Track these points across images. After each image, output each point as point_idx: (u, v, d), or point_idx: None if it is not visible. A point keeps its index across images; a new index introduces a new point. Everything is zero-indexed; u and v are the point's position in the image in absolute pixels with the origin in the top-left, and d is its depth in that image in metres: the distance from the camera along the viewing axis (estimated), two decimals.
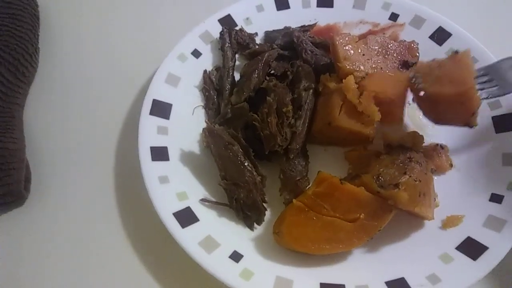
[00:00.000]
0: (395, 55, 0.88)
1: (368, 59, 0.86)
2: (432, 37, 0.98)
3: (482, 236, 0.74)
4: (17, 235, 0.83)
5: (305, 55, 0.93)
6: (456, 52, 0.76)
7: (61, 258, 0.80)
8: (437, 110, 0.75)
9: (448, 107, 0.75)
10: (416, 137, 0.80)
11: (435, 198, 0.80)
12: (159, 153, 0.83)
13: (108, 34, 1.10)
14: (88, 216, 0.85)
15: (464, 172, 0.85)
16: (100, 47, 1.08)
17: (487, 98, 0.80)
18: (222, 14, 1.01)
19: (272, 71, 0.92)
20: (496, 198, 0.78)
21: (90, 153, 0.92)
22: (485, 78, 0.81)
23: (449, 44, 0.96)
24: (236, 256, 0.74)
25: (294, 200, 0.76)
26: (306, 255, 0.74)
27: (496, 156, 0.83)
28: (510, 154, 0.82)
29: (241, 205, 0.80)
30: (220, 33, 0.99)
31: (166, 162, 0.83)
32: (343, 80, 0.83)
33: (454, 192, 0.82)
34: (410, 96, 0.85)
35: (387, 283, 0.71)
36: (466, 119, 0.75)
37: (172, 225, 0.75)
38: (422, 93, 0.77)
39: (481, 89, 0.79)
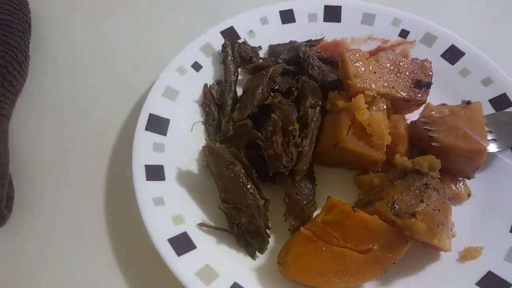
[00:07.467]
0: (407, 73, 0.83)
1: (380, 77, 0.82)
2: (444, 55, 0.95)
3: (504, 270, 0.69)
4: None
5: (312, 71, 0.90)
6: (468, 102, 0.79)
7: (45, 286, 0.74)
8: (443, 161, 0.74)
9: (456, 159, 0.76)
10: (433, 162, 0.75)
11: (452, 228, 0.74)
12: (155, 172, 0.78)
13: (103, 43, 1.06)
14: (75, 240, 0.79)
15: (482, 200, 0.80)
16: (95, 56, 1.03)
17: None
18: (224, 26, 0.97)
19: (277, 87, 0.88)
20: None
21: (79, 170, 0.87)
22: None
23: (462, 64, 0.93)
24: None
25: (301, 228, 0.71)
26: None
27: None
28: None
29: (243, 231, 0.74)
30: (222, 45, 0.96)
31: (162, 182, 0.78)
32: (353, 99, 0.78)
33: (472, 221, 0.77)
34: None
35: None
36: (469, 172, 0.78)
37: (167, 252, 0.70)
38: (435, 144, 0.77)
39: None
